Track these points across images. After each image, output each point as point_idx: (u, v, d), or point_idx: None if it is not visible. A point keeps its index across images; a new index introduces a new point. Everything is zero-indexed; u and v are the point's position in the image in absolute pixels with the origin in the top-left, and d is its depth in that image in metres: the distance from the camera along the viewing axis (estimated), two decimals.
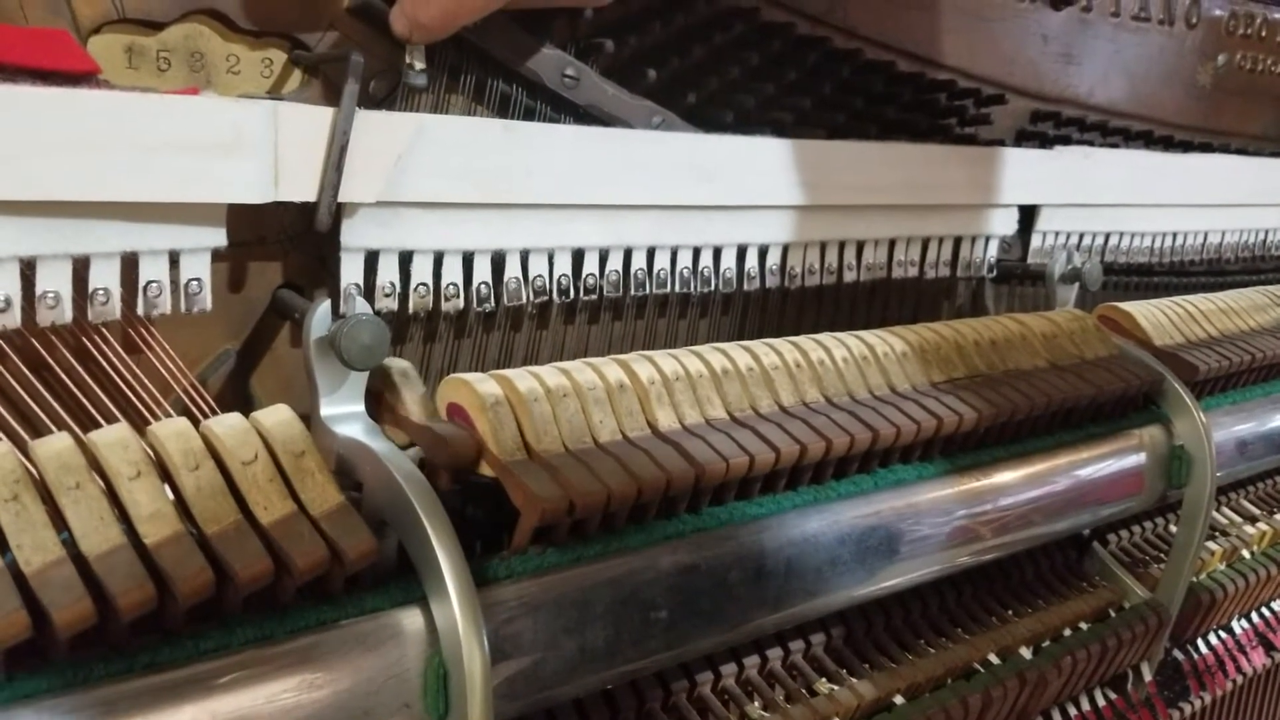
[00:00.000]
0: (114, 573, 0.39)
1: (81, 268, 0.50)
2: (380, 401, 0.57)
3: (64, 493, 0.40)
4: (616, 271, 0.69)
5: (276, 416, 0.47)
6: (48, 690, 0.39)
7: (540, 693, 0.50)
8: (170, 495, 0.43)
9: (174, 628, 0.42)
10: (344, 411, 0.54)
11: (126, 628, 0.40)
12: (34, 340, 0.51)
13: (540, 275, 0.66)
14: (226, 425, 0.45)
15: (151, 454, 0.44)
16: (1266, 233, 1.23)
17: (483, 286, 0.63)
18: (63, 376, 0.51)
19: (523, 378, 0.55)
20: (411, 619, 0.46)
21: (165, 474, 0.43)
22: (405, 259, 0.60)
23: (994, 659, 0.72)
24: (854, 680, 0.65)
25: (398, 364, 0.57)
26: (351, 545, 0.44)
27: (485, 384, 0.54)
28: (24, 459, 0.41)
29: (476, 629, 0.45)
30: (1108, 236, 1.03)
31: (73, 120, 0.47)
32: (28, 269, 0.48)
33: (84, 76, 0.50)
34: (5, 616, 0.37)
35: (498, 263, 0.64)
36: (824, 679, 0.66)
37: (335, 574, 0.45)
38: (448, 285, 0.62)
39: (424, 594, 0.47)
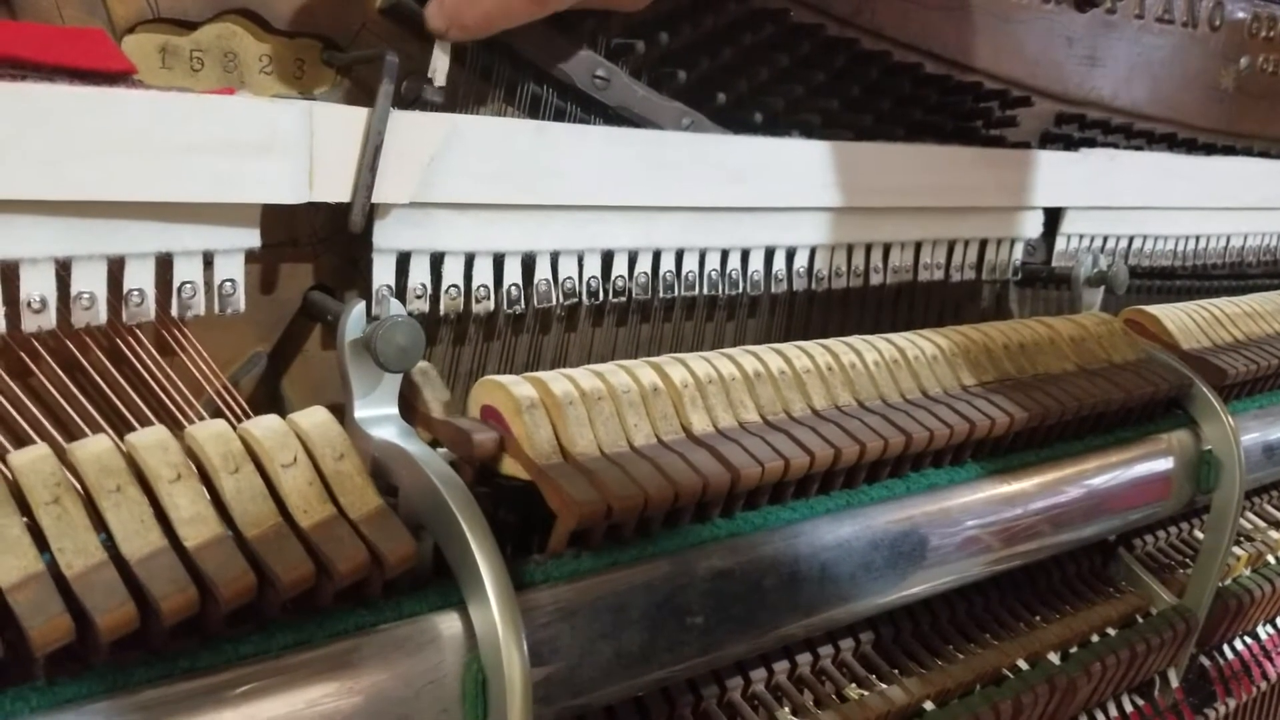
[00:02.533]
0: (156, 576, 0.39)
1: (116, 268, 0.49)
2: (403, 402, 0.56)
3: (104, 495, 0.40)
4: (645, 273, 0.69)
5: (314, 418, 0.46)
6: (88, 695, 0.39)
7: (575, 698, 0.50)
8: (209, 498, 0.43)
9: (212, 631, 0.42)
10: (378, 414, 0.54)
11: (166, 631, 0.40)
12: (68, 342, 0.50)
13: (570, 277, 0.65)
14: (265, 427, 0.45)
15: (190, 457, 0.43)
16: None
17: (513, 288, 0.63)
18: (96, 378, 0.51)
19: (557, 380, 0.54)
20: (449, 624, 0.46)
21: (204, 477, 0.43)
22: (436, 260, 0.60)
23: (1023, 664, 0.71)
24: (884, 686, 0.65)
25: (418, 364, 0.57)
26: (391, 549, 0.44)
27: (520, 386, 0.53)
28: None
29: (516, 634, 0.44)
30: (1131, 239, 1.02)
31: (109, 120, 0.46)
32: (63, 270, 0.48)
33: (120, 76, 0.49)
34: (49, 620, 0.37)
35: (528, 264, 0.64)
36: (854, 684, 0.65)
37: (374, 578, 0.45)
38: (479, 287, 0.62)
39: (462, 598, 0.46)
